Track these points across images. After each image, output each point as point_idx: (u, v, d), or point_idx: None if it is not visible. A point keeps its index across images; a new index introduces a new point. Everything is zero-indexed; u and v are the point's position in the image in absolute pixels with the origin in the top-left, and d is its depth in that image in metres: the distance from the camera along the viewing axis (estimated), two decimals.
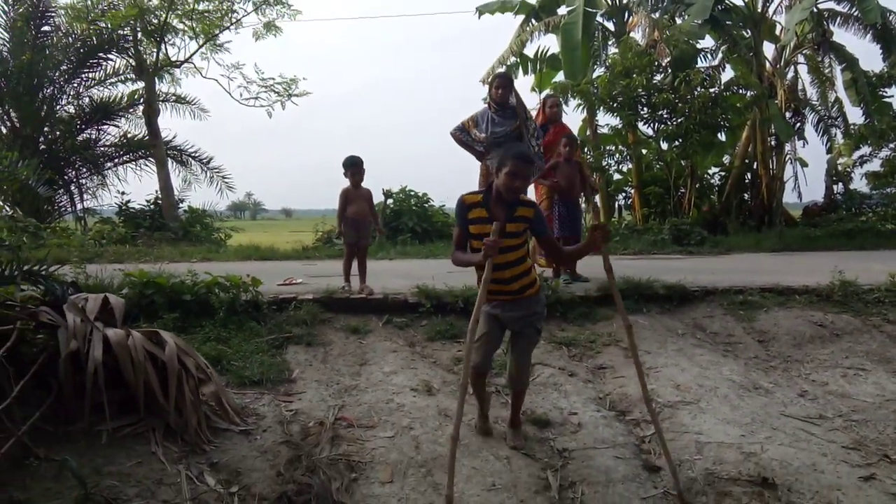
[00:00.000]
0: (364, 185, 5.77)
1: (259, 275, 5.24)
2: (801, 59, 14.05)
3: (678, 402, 3.93)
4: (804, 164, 13.85)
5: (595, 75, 12.61)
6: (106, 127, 12.02)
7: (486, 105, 6.06)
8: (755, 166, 12.77)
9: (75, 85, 11.71)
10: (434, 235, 11.66)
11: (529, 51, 14.56)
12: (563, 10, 13.44)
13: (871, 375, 4.59)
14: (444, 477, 3.13)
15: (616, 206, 14.89)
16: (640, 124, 12.33)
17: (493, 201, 3.15)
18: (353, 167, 5.58)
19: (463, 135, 6.06)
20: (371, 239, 5.90)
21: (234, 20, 12.54)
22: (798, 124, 13.44)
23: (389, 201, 12.07)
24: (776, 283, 6.03)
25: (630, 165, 13.55)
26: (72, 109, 11.82)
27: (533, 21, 14.04)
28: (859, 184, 15.88)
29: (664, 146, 12.35)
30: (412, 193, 12.41)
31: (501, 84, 5.90)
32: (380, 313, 5.25)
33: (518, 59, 14.57)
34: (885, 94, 13.76)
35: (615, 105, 11.47)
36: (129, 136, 12.41)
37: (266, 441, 3.35)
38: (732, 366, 4.54)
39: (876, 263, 6.57)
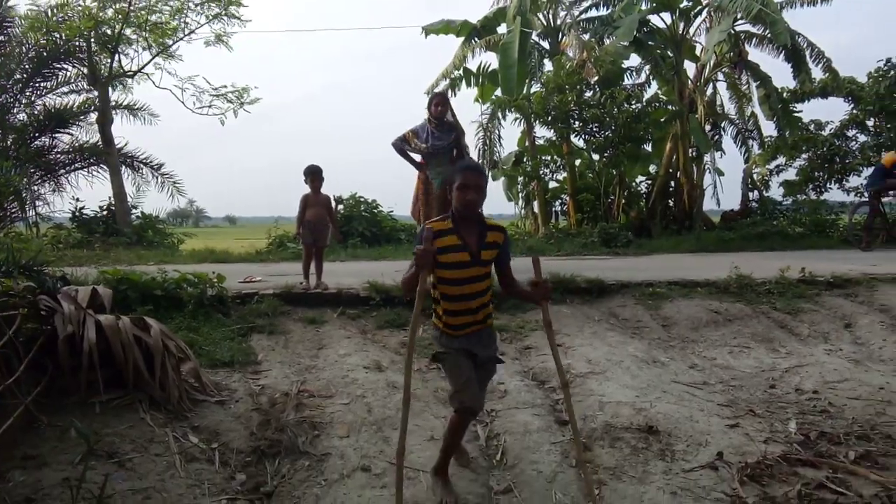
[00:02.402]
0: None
1: None
2: (720, 76, 15.24)
3: (588, 373, 4.68)
4: (721, 174, 15.08)
5: (532, 91, 13.48)
6: (59, 135, 12.24)
7: (426, 120, 6.75)
8: (678, 175, 13.86)
9: (28, 93, 11.92)
10: (383, 239, 12.31)
11: (472, 65, 15.40)
12: (502, 29, 14.32)
13: (753, 352, 5.45)
14: (392, 433, 3.79)
15: (552, 211, 15.83)
16: (572, 137, 13.29)
17: (460, 225, 2.96)
18: (313, 174, 6.20)
19: (404, 145, 6.78)
20: (327, 241, 6.49)
21: (186, 31, 12.94)
22: (716, 137, 14.63)
23: (340, 207, 12.65)
24: (682, 278, 6.91)
25: (565, 174, 14.53)
26: (24, 117, 12.00)
27: (475, 39, 14.88)
28: (776, 192, 17.26)
29: (595, 157, 13.36)
30: (362, 199, 13.04)
31: (440, 102, 6.67)
32: (334, 306, 5.85)
33: (461, 73, 15.36)
34: (794, 108, 15.08)
35: (549, 119, 12.40)
36: (81, 143, 12.64)
37: (239, 409, 3.93)
38: (637, 345, 5.33)
39: (776, 262, 7.48)
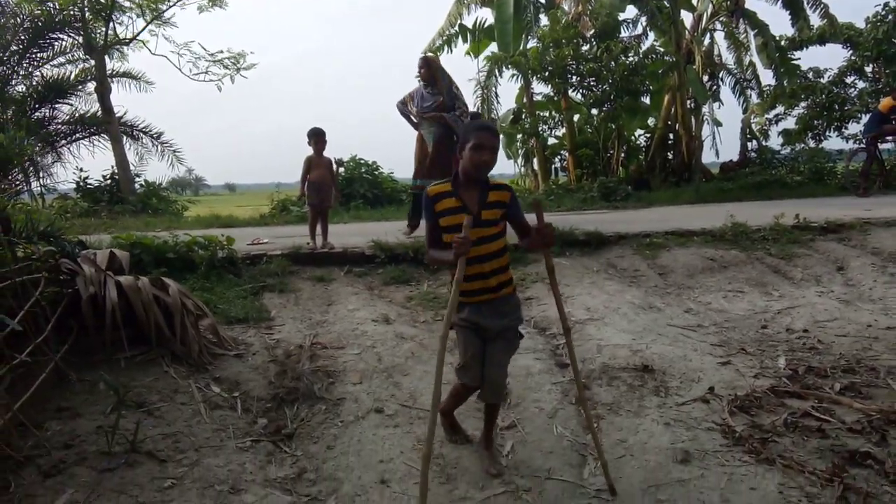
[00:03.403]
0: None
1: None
2: (718, 25, 15.14)
3: (587, 320, 4.88)
4: (719, 124, 15.11)
5: (529, 46, 13.45)
6: (59, 105, 12.31)
7: (419, 83, 7.14)
8: (676, 128, 13.90)
9: (25, 65, 11.94)
10: (385, 201, 12.46)
11: (468, 21, 15.30)
12: None
13: (747, 296, 5.65)
14: (402, 378, 4.02)
15: (552, 168, 15.91)
16: (570, 91, 13.30)
17: (462, 187, 2.88)
18: (317, 136, 6.33)
19: (403, 107, 7.30)
20: (331, 202, 6.65)
21: None
22: (714, 87, 14.62)
23: (341, 169, 12.76)
24: (678, 228, 7.07)
25: (563, 130, 14.59)
26: (22, 89, 12.05)
27: None
28: (776, 141, 17.29)
29: (593, 112, 13.39)
30: (362, 162, 13.14)
31: (422, 65, 7.07)
32: (341, 265, 6.04)
33: (457, 30, 15.27)
34: (793, 56, 15.02)
35: (547, 74, 12.41)
36: (81, 113, 12.70)
37: (256, 361, 4.15)
38: (634, 293, 5.53)
39: (773, 210, 7.60)
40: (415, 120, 7.18)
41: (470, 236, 2.67)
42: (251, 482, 3.02)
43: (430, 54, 7.17)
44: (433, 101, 7.01)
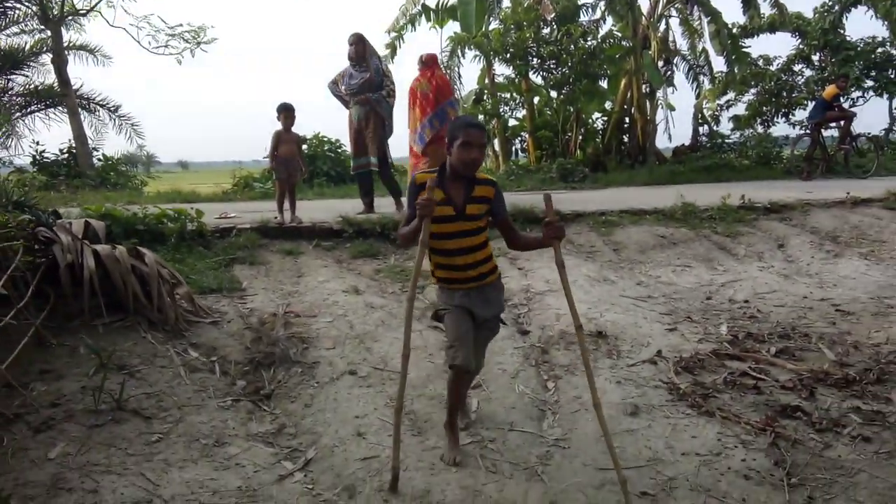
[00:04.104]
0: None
1: None
2: (673, 12, 15.55)
3: (546, 291, 5.17)
4: (672, 109, 15.54)
5: (491, 28, 13.63)
6: (13, 77, 12.00)
7: (349, 62, 7.20)
8: (632, 111, 14.30)
9: None
10: (348, 179, 12.53)
11: (431, 2, 15.35)
12: None
13: (694, 271, 6.03)
14: (373, 344, 4.25)
15: (513, 149, 16.18)
16: (531, 74, 13.57)
17: (448, 180, 2.90)
18: (286, 111, 6.43)
19: (334, 87, 7.37)
20: (299, 176, 6.78)
21: None
22: (669, 73, 15.03)
23: (305, 146, 12.80)
24: (632, 207, 7.42)
25: (524, 112, 14.86)
26: None
27: None
28: (726, 126, 17.91)
29: (553, 94, 13.69)
30: (325, 140, 13.19)
31: (353, 41, 7.12)
32: (310, 239, 6.19)
33: (420, 9, 15.32)
34: (744, 44, 15.54)
35: (508, 56, 12.64)
36: (36, 85, 12.43)
37: (232, 328, 4.31)
38: (590, 266, 5.84)
39: (722, 191, 8.01)
40: (347, 99, 7.24)
41: (434, 197, 2.74)
42: (234, 436, 3.22)
43: (359, 32, 7.16)
44: (360, 78, 7.07)
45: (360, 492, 2.81)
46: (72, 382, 3.43)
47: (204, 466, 2.94)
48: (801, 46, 16.95)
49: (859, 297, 5.26)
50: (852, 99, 16.48)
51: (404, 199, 5.59)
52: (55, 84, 12.50)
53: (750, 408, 3.47)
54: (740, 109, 18.10)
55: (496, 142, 15.36)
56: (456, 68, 14.03)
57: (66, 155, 12.63)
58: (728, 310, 5.07)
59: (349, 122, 7.31)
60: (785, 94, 17.13)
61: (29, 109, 12.41)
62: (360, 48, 7.09)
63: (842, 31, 16.41)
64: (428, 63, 7.57)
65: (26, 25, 12.55)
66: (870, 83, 16.60)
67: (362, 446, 3.15)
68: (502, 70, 14.67)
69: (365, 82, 7.07)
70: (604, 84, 14.39)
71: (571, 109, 14.09)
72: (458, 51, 13.92)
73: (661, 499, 2.74)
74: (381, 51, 14.75)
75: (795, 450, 3.06)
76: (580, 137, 14.62)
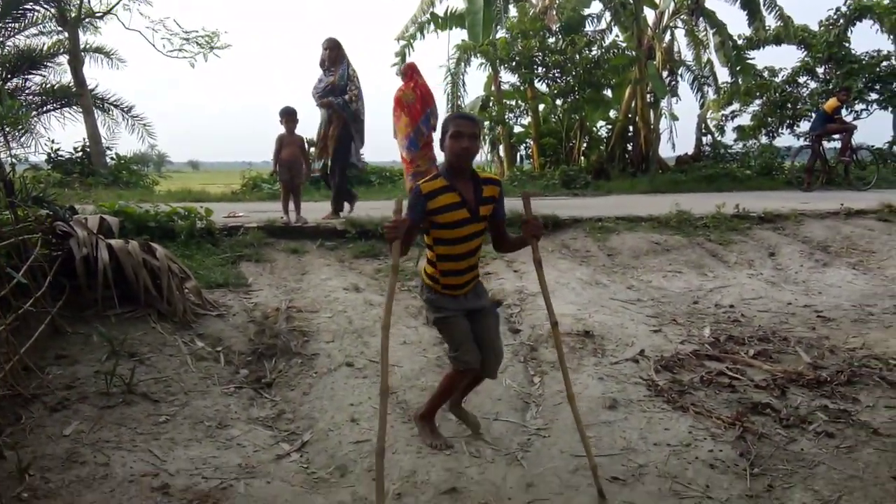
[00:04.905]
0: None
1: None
2: (679, 23, 15.76)
3: (538, 293, 5.32)
4: (676, 118, 15.76)
5: (498, 36, 13.88)
6: (31, 76, 12.36)
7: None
8: (636, 120, 14.51)
9: None
10: (354, 181, 12.77)
11: (440, 10, 15.65)
12: None
13: (685, 276, 6.22)
14: (370, 339, 4.46)
15: (517, 155, 16.43)
16: (536, 82, 13.81)
17: (454, 178, 2.86)
18: (288, 115, 6.69)
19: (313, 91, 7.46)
20: (302, 178, 7.02)
21: None
22: (673, 83, 15.26)
23: (312, 149, 13.05)
24: (629, 214, 7.62)
25: (529, 119, 15.11)
26: None
27: None
28: (731, 137, 18.10)
29: (558, 102, 13.94)
30: None
31: (327, 46, 7.29)
32: (314, 238, 6.43)
33: (429, 17, 15.60)
34: (748, 56, 15.75)
35: (514, 64, 12.89)
36: (52, 84, 12.76)
37: (237, 321, 4.54)
38: (584, 270, 6.05)
39: (721, 201, 8.17)
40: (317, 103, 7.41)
41: (401, 221, 2.68)
42: (236, 420, 3.45)
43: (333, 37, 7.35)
44: (326, 82, 7.24)
45: (351, 471, 3.03)
46: (85, 367, 3.66)
47: (207, 445, 3.16)
48: (806, 59, 17.12)
49: (842, 305, 5.44)
50: (856, 111, 16.64)
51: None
52: (71, 84, 12.85)
53: (723, 404, 3.66)
54: (745, 120, 18.31)
55: (501, 148, 15.60)
56: (462, 76, 14.29)
57: (80, 153, 12.97)
58: (713, 314, 5.26)
59: (322, 130, 7.48)
60: (790, 105, 17.30)
61: (45, 108, 12.76)
62: (333, 53, 7.23)
63: (847, 45, 16.59)
64: (407, 73, 7.83)
65: (44, 27, 12.94)
66: (874, 96, 16.74)
67: (355, 431, 3.37)
68: (508, 78, 14.95)
69: (329, 86, 7.23)
70: (608, 93, 14.63)
71: (576, 117, 14.32)
72: (465, 59, 14.17)
73: (630, 483, 2.94)
74: (391, 58, 15.10)
75: (761, 443, 3.25)
76: (584, 145, 14.84)
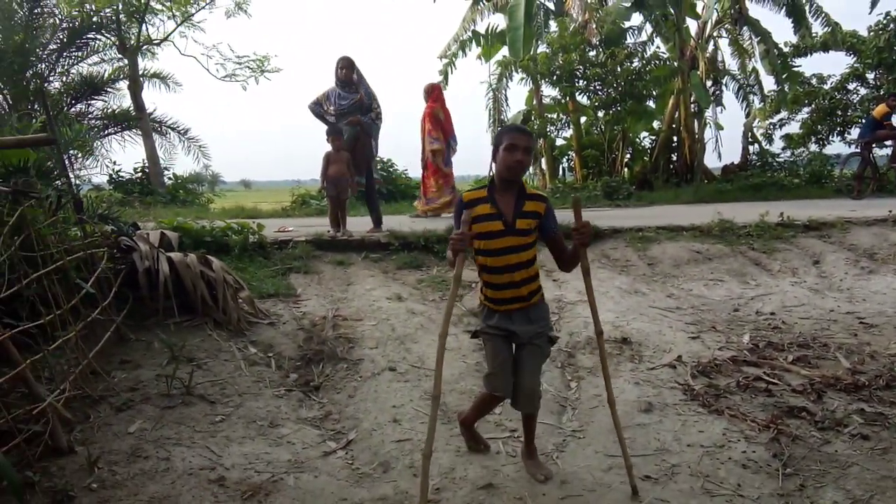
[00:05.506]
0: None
1: None
2: (723, 33, 15.68)
3: (577, 301, 5.48)
4: (721, 128, 15.63)
5: (538, 51, 14.07)
6: (93, 101, 13.10)
7: (335, 84, 7.54)
8: (680, 130, 14.45)
9: (63, 62, 12.72)
10: (399, 196, 13.11)
11: (481, 27, 15.93)
12: None
13: (726, 284, 6.22)
14: (412, 345, 4.64)
15: (560, 167, 16.51)
16: (577, 95, 13.93)
17: (497, 193, 2.85)
18: (335, 135, 6.97)
19: (317, 107, 7.66)
20: (349, 194, 7.29)
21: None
22: (717, 92, 15.16)
23: None
24: (670, 224, 7.64)
25: (570, 132, 15.23)
26: (58, 85, 12.84)
27: (483, 1, 15.39)
28: (779, 145, 17.81)
29: (599, 114, 14.01)
30: (378, 159, 13.81)
31: (344, 65, 7.46)
32: (359, 251, 6.66)
33: (471, 35, 15.90)
34: (794, 63, 15.54)
35: (555, 78, 13.04)
36: (113, 109, 13.49)
37: (287, 329, 4.78)
38: (623, 279, 6.12)
39: (765, 209, 8.14)
40: (330, 120, 7.51)
41: (469, 233, 2.71)
42: (286, 420, 3.66)
43: (347, 55, 7.57)
44: (350, 99, 7.42)
45: (393, 467, 3.20)
46: (148, 371, 3.93)
47: (259, 443, 3.37)
48: (855, 65, 16.77)
49: (886, 311, 5.38)
50: None
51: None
52: (130, 108, 13.56)
53: (758, 408, 3.70)
54: (794, 128, 18.01)
55: (543, 161, 15.72)
56: (504, 91, 14.49)
57: (139, 174, 13.66)
58: (753, 321, 5.27)
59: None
60: (839, 112, 16.96)
61: (106, 132, 13.49)
62: (349, 73, 7.42)
63: None
64: (433, 92, 8.36)
65: (105, 55, 13.71)
66: None
67: (397, 430, 3.54)
68: (549, 91, 15.10)
69: (355, 104, 7.44)
70: (651, 104, 14.62)
71: (618, 129, 14.36)
72: (506, 74, 14.38)
73: (663, 482, 3.03)
74: (435, 77, 15.41)
75: (795, 445, 3.30)
76: (627, 156, 14.85)
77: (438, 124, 8.81)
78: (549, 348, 3.09)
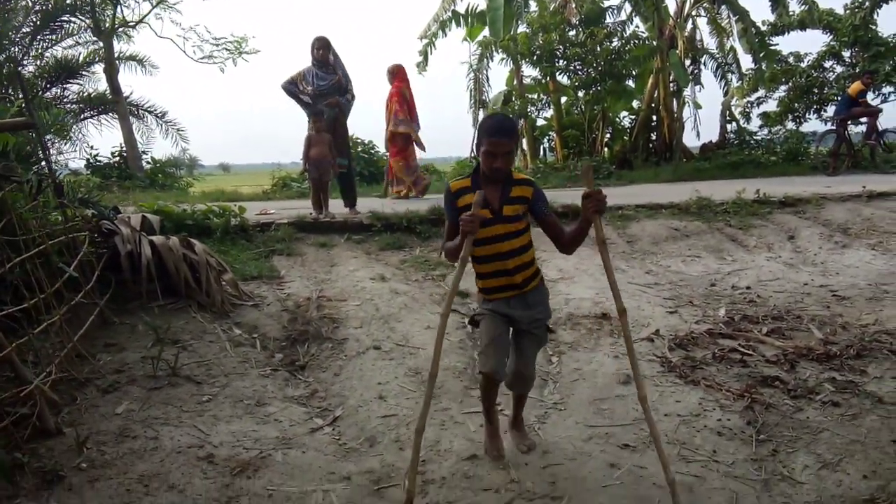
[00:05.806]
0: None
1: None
2: (702, 12, 15.72)
3: (559, 279, 5.57)
4: (699, 107, 15.71)
5: (518, 31, 14.05)
6: (69, 85, 12.90)
7: (311, 64, 7.48)
8: (659, 110, 14.55)
9: (36, 46, 12.50)
10: (380, 178, 13.08)
11: (461, 7, 15.85)
12: None
13: (703, 260, 6.34)
14: (396, 324, 4.70)
15: (540, 148, 16.58)
16: (557, 75, 13.95)
17: (483, 182, 2.79)
18: (316, 116, 6.96)
19: (291, 86, 7.57)
20: (330, 176, 7.29)
21: None
22: (696, 71, 15.24)
23: None
24: (648, 202, 7.74)
25: (551, 112, 15.26)
26: (32, 69, 12.61)
27: None
28: (757, 123, 17.99)
29: (580, 94, 14.07)
30: (359, 141, 13.77)
31: (320, 46, 7.41)
32: (342, 233, 6.68)
33: (451, 15, 15.81)
34: (771, 42, 15.65)
35: (535, 58, 13.06)
36: (89, 93, 13.31)
37: (271, 310, 4.82)
38: None
39: (742, 186, 8.27)
40: (306, 100, 7.46)
41: (479, 214, 2.62)
42: (273, 398, 3.71)
43: (323, 35, 7.54)
44: (329, 80, 7.39)
45: (379, 442, 3.28)
46: (133, 353, 3.95)
47: (247, 421, 3.42)
48: (831, 43, 16.93)
49: (858, 284, 5.53)
50: (883, 94, 16.42)
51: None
52: (107, 92, 13.36)
53: (733, 378, 3.82)
54: (771, 106, 18.18)
55: (524, 141, 15.75)
56: (484, 71, 14.47)
57: (117, 158, 13.49)
58: (729, 295, 5.39)
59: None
60: (816, 90, 17.15)
61: (82, 116, 13.30)
62: (325, 53, 7.38)
63: (873, 28, 16.36)
64: (397, 73, 8.65)
65: (80, 38, 13.46)
66: None
67: (383, 407, 3.61)
68: (529, 72, 15.10)
69: (334, 84, 7.42)
70: (630, 83, 14.69)
71: (598, 109, 14.43)
72: (487, 54, 14.35)
73: (640, 450, 3.13)
74: (416, 57, 15.35)
75: (769, 412, 3.42)
76: (607, 136, 14.94)
77: (405, 104, 8.86)
78: (546, 336, 3.12)
